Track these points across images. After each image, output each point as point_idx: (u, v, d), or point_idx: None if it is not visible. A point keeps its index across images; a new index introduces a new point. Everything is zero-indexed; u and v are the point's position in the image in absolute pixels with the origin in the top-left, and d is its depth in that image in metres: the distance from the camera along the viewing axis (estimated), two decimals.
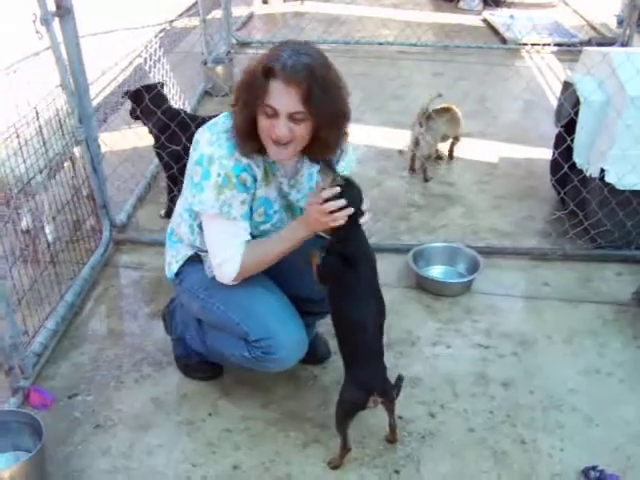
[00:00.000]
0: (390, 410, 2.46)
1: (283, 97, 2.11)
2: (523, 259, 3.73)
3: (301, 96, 2.11)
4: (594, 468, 2.43)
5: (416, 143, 4.47)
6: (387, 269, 3.58)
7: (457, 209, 4.22)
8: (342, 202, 2.21)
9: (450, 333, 3.16)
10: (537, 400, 2.78)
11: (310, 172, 2.49)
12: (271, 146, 2.23)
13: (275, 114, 2.14)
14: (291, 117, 2.14)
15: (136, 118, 3.92)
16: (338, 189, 2.22)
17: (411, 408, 2.71)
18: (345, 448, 2.43)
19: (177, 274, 2.62)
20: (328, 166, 2.30)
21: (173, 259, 2.63)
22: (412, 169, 4.62)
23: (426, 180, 4.53)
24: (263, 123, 2.19)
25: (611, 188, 3.49)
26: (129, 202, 4.09)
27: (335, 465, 2.45)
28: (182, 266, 2.60)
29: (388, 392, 2.36)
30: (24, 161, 3.11)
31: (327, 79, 2.15)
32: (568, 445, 2.58)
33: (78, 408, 2.72)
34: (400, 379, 2.40)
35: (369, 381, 2.32)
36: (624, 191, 3.48)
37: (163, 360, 2.96)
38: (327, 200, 2.21)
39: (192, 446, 2.56)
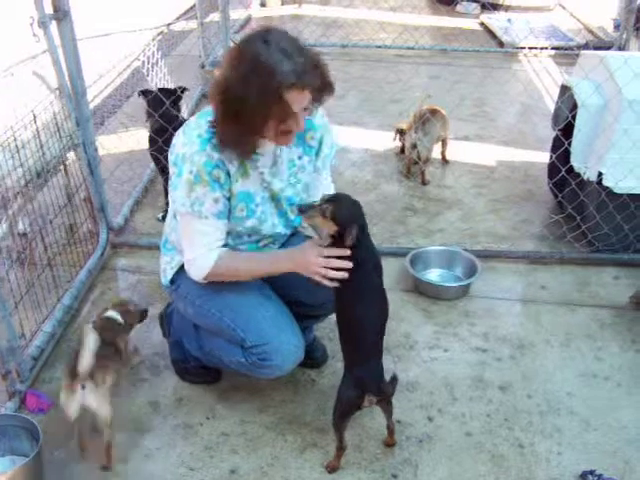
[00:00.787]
0: (388, 412, 2.46)
1: (300, 100, 2.14)
2: (520, 262, 3.73)
3: (309, 92, 2.15)
4: (592, 472, 2.43)
5: (414, 148, 4.48)
6: (385, 273, 3.53)
7: (454, 212, 4.22)
8: (348, 264, 2.22)
9: (448, 337, 3.15)
10: (535, 404, 2.78)
11: (290, 158, 2.46)
12: (281, 138, 2.25)
13: (293, 115, 2.16)
14: (304, 109, 2.19)
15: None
16: (348, 252, 2.22)
17: (409, 412, 2.71)
18: (341, 448, 2.42)
19: (172, 281, 2.62)
20: (303, 210, 2.30)
21: (168, 265, 2.63)
22: (409, 173, 4.62)
23: (424, 184, 4.53)
24: (279, 126, 2.18)
25: (609, 192, 3.49)
26: (126, 205, 4.08)
27: (332, 467, 2.45)
28: (177, 272, 2.59)
29: (383, 391, 2.35)
30: (21, 164, 3.10)
31: (311, 56, 2.16)
32: (566, 449, 2.58)
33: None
34: (394, 378, 2.40)
35: (365, 379, 2.32)
36: (622, 195, 3.48)
37: (160, 364, 2.95)
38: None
39: (189, 450, 2.56)
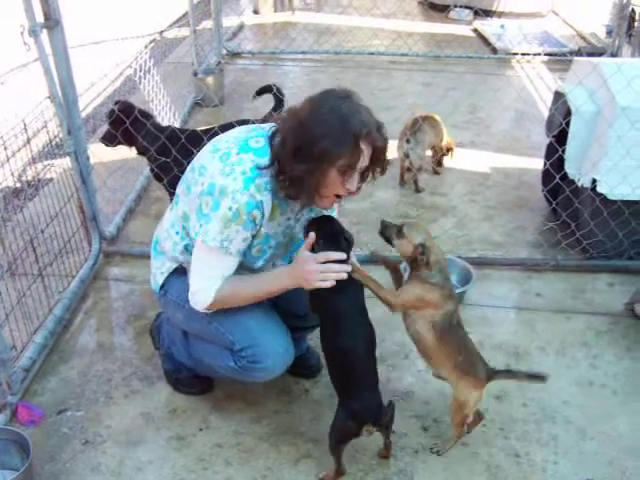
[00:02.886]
0: (386, 435, 2.43)
1: (366, 155, 2.19)
2: (515, 270, 3.72)
3: (371, 152, 2.21)
4: None
5: (406, 156, 4.47)
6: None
7: (449, 220, 4.21)
8: (347, 268, 2.24)
9: None
10: (530, 413, 2.77)
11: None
12: (329, 200, 2.30)
13: (351, 171, 2.19)
14: (360, 171, 2.23)
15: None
16: (344, 255, 2.25)
17: (404, 422, 2.68)
18: (339, 471, 2.40)
19: (162, 286, 2.60)
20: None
21: (158, 270, 2.61)
22: (402, 181, 4.61)
23: (418, 191, 4.52)
24: (340, 182, 2.20)
25: (603, 198, 3.48)
26: (119, 214, 4.06)
27: None
28: (166, 278, 2.58)
29: (382, 422, 2.32)
30: (12, 173, 3.08)
31: (381, 126, 2.25)
32: (562, 458, 2.56)
33: (67, 424, 2.68)
34: (391, 407, 2.35)
35: (362, 412, 2.28)
36: (616, 201, 3.48)
37: (153, 375, 2.93)
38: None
39: (182, 462, 2.53)
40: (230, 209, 2.20)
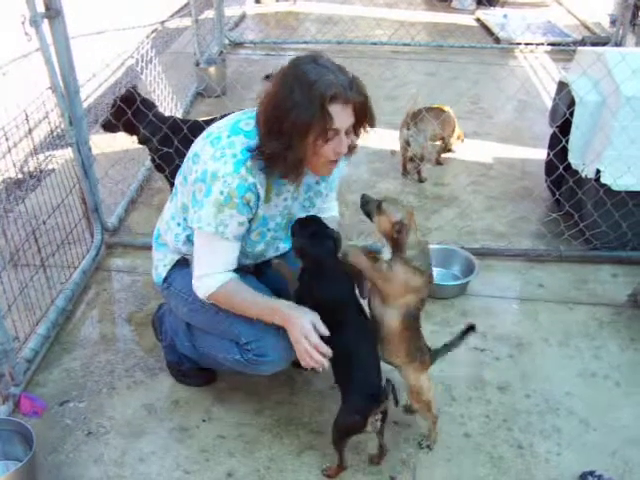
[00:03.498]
0: (381, 435, 2.38)
1: (343, 117, 2.15)
2: (518, 261, 3.71)
3: (352, 110, 2.17)
4: (592, 473, 2.41)
5: (407, 145, 4.46)
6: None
7: (452, 210, 4.19)
8: (329, 352, 2.25)
9: (446, 336, 3.07)
10: (533, 404, 2.76)
11: (308, 183, 2.48)
12: (325, 166, 2.26)
13: (336, 134, 2.17)
14: (347, 132, 2.20)
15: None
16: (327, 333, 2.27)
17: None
18: (341, 466, 2.40)
19: (165, 279, 2.59)
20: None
21: (160, 263, 2.61)
22: (405, 171, 4.60)
23: (421, 181, 4.51)
24: (323, 148, 2.18)
25: (607, 189, 3.47)
26: (121, 205, 4.05)
27: (329, 475, 2.42)
28: (170, 270, 2.57)
29: (385, 404, 2.28)
30: (14, 164, 3.07)
31: (357, 81, 2.20)
32: (565, 450, 2.56)
33: (70, 415, 2.68)
34: (392, 386, 2.30)
35: (368, 405, 2.26)
36: (620, 192, 3.46)
37: (155, 366, 2.92)
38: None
39: (185, 453, 2.53)
40: (222, 193, 2.20)
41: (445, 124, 4.59)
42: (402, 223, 2.27)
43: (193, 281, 2.39)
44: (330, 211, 2.69)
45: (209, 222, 2.24)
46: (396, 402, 2.30)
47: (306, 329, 2.23)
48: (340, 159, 2.29)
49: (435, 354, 2.50)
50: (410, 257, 2.29)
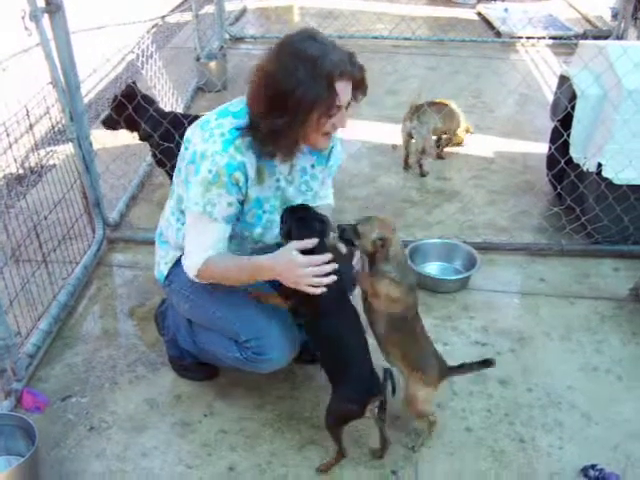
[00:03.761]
0: (382, 426, 2.38)
1: (346, 92, 2.18)
2: (520, 255, 3.71)
3: (351, 85, 2.21)
4: (593, 467, 2.41)
5: (410, 137, 4.45)
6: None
7: (453, 204, 4.19)
8: (335, 266, 2.22)
9: (447, 330, 3.13)
10: (535, 398, 2.76)
11: (303, 166, 2.48)
12: (322, 140, 2.27)
13: (339, 109, 2.19)
14: (346, 106, 2.23)
15: None
16: (330, 255, 2.22)
17: None
18: (340, 453, 2.40)
19: (167, 276, 2.60)
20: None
21: (162, 260, 2.61)
22: (406, 165, 4.59)
23: (422, 175, 4.51)
24: (321, 122, 2.19)
25: (608, 183, 3.46)
26: (122, 200, 4.05)
27: (324, 470, 2.42)
28: (171, 267, 2.57)
29: (382, 394, 2.28)
30: (15, 160, 3.06)
31: (350, 52, 2.23)
32: (567, 443, 2.56)
33: (72, 410, 2.69)
34: (390, 374, 2.30)
35: (362, 394, 2.26)
36: (621, 186, 3.46)
37: (157, 361, 2.93)
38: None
39: (187, 448, 2.53)
40: (210, 172, 2.21)
41: (447, 118, 4.58)
42: (383, 238, 2.33)
43: (182, 260, 2.40)
44: (326, 199, 2.70)
45: (197, 201, 2.25)
46: (393, 390, 2.31)
47: (295, 263, 2.20)
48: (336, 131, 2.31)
49: (448, 371, 2.49)
50: (388, 270, 2.35)
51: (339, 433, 2.36)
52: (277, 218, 2.46)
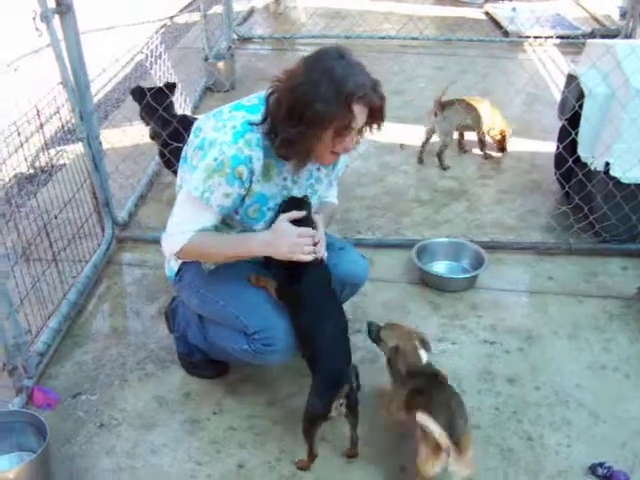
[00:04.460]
0: (353, 423, 2.38)
1: (362, 116, 2.21)
2: (527, 254, 3.71)
3: (368, 110, 2.23)
4: (601, 465, 2.41)
5: (432, 132, 4.51)
6: (390, 265, 3.57)
7: (461, 204, 4.19)
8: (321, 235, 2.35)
9: (455, 329, 3.14)
10: (543, 396, 2.77)
11: (309, 169, 2.50)
12: (328, 157, 2.32)
13: (351, 131, 2.22)
14: (358, 130, 2.26)
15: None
16: (322, 234, 2.39)
17: None
18: (311, 455, 2.40)
19: (177, 272, 2.62)
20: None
21: (172, 257, 2.62)
22: (421, 160, 4.62)
23: (443, 169, 4.55)
24: (330, 140, 2.23)
25: (616, 182, 3.46)
26: (131, 200, 4.07)
27: (301, 467, 2.43)
28: (182, 263, 2.60)
29: (351, 399, 2.28)
30: (25, 159, 3.09)
31: (376, 80, 2.26)
32: (575, 441, 2.56)
33: (82, 407, 2.71)
34: (354, 370, 2.33)
35: (329, 391, 2.26)
36: (629, 185, 3.45)
37: (167, 358, 2.94)
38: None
39: (197, 445, 2.55)
40: (215, 160, 2.24)
41: (477, 118, 4.58)
42: (396, 348, 2.44)
43: (162, 239, 2.43)
44: (328, 198, 2.74)
45: (197, 186, 2.27)
46: (358, 386, 2.33)
47: (291, 232, 2.31)
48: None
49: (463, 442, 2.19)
50: (399, 377, 2.44)
51: (312, 435, 2.36)
52: None
